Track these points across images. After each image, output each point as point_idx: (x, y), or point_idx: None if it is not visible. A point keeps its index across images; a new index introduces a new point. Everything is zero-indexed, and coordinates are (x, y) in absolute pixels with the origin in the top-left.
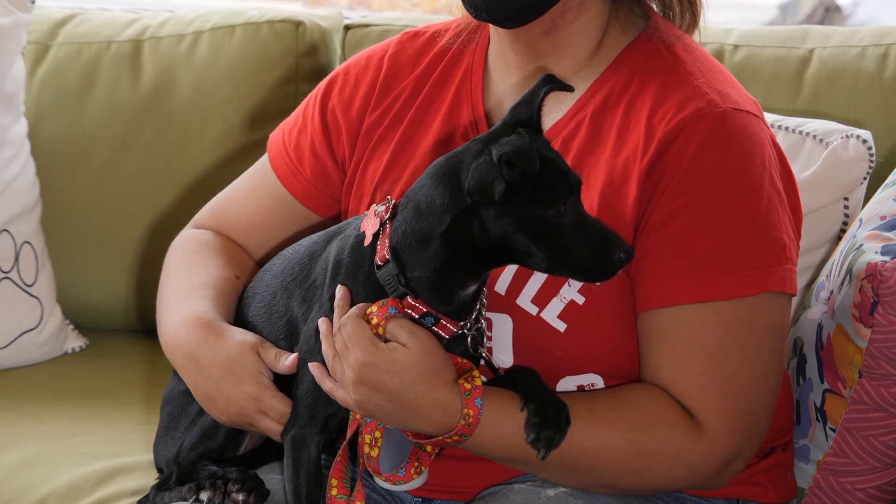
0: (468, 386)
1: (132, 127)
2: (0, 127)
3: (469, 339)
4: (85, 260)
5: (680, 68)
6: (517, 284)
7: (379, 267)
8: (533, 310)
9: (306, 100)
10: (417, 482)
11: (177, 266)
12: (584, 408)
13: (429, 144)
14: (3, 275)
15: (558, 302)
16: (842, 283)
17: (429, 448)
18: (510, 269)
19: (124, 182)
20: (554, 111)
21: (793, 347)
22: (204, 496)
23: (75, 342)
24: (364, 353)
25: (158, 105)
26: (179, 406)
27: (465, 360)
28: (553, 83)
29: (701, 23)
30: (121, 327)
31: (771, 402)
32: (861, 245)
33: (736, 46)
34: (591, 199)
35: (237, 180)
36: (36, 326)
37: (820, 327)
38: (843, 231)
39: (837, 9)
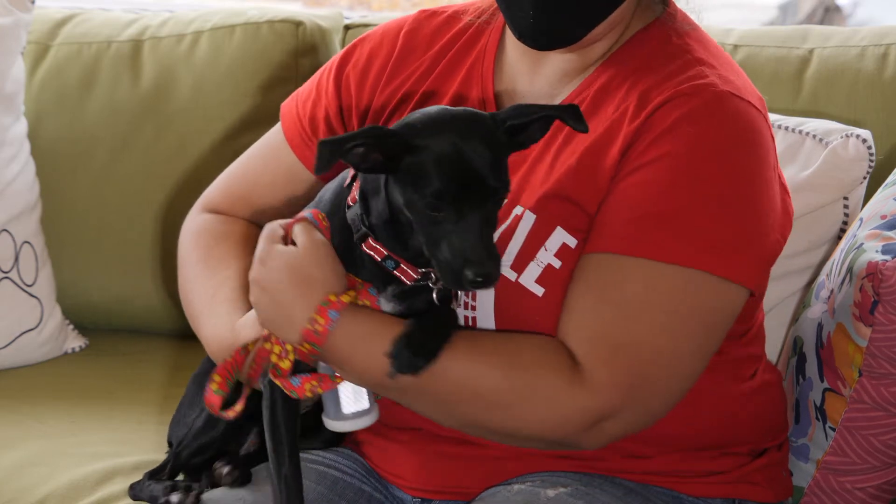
0: (333, 299)
1: (132, 127)
2: (0, 127)
3: (435, 293)
4: (85, 260)
5: (688, 55)
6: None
7: (349, 207)
8: (511, 275)
9: (320, 71)
10: (330, 411)
11: (197, 264)
12: (467, 343)
13: None
14: (3, 275)
15: (535, 266)
16: (842, 283)
17: (293, 357)
18: None
19: (124, 182)
20: (560, 91)
21: (793, 346)
22: (175, 498)
23: (75, 342)
24: (259, 251)
25: (158, 105)
26: (201, 388)
27: (357, 280)
28: (566, 117)
29: (686, 11)
30: (121, 327)
31: (677, 384)
32: (861, 244)
33: (736, 46)
34: (572, 155)
35: (246, 155)
36: (36, 326)
37: (820, 326)
38: (843, 230)
39: (837, 9)
